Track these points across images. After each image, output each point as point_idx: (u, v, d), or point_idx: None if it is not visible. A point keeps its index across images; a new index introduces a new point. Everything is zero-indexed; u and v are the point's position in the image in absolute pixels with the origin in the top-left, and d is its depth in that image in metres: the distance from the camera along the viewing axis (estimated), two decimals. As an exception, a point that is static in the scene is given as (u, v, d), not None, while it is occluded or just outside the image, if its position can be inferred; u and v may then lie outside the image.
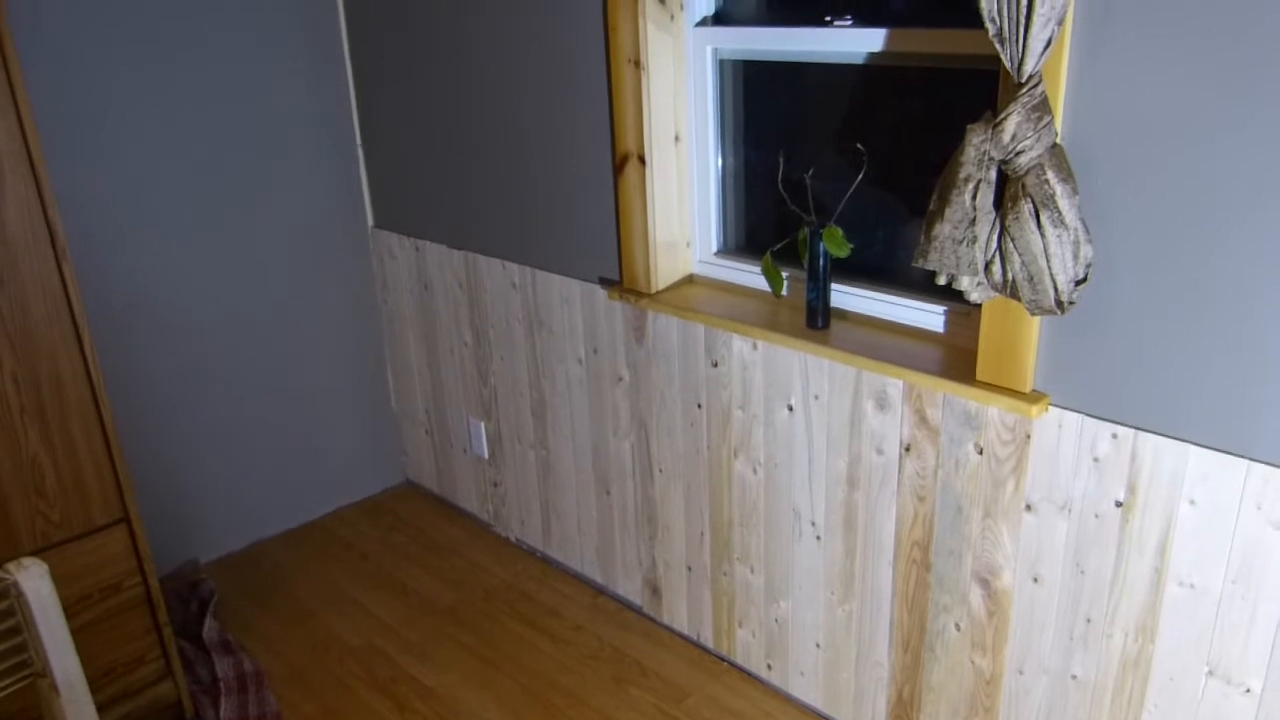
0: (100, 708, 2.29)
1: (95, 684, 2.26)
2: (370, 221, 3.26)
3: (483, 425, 3.11)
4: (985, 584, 1.94)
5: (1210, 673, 1.68)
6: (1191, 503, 1.61)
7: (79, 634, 2.22)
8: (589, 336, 2.61)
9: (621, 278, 2.46)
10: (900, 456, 1.99)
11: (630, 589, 2.80)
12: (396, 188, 3.10)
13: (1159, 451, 1.63)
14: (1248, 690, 1.64)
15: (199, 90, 2.79)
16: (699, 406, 2.38)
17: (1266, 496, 1.53)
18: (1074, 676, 1.86)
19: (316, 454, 3.32)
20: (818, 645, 2.32)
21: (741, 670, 2.55)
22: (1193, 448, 1.59)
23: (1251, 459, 1.53)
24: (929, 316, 2.01)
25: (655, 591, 2.72)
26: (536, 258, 2.69)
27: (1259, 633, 1.60)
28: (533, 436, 2.93)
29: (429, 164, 2.94)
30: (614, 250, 2.47)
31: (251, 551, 3.20)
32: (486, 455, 3.14)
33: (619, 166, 2.35)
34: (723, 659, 2.59)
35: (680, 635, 2.69)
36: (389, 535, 3.26)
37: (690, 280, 2.45)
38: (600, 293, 2.54)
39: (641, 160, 2.29)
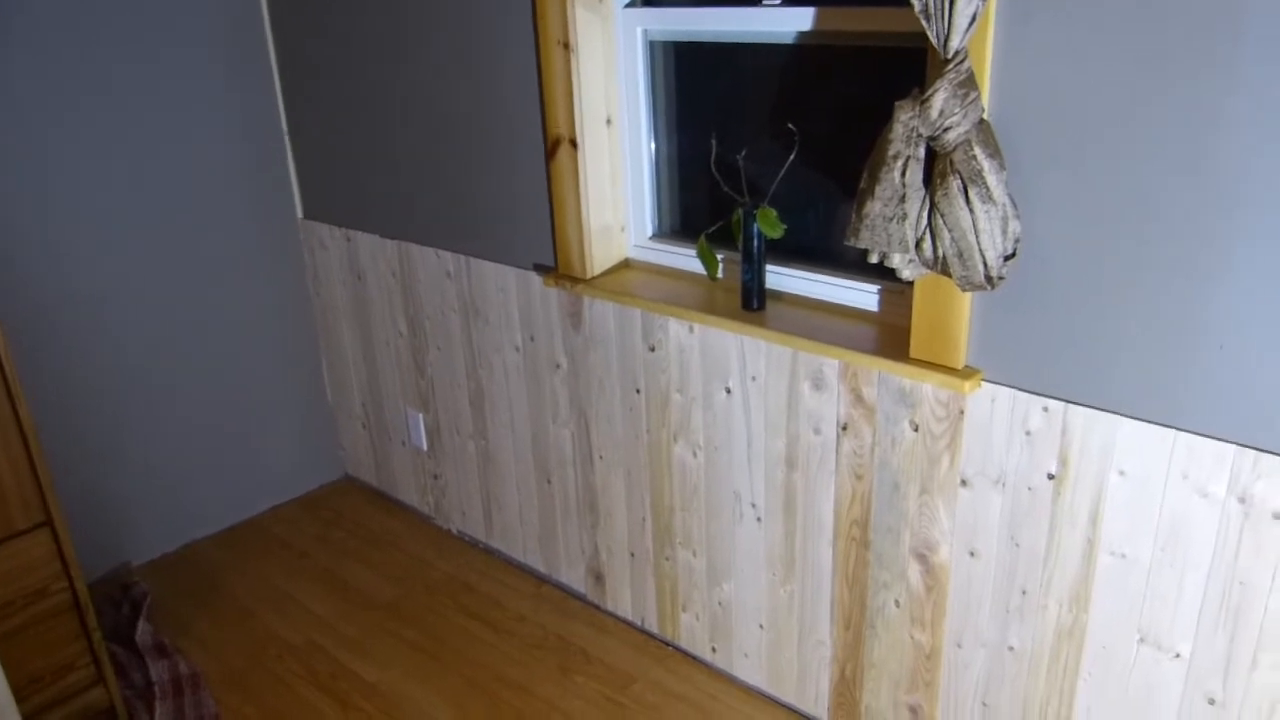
0: (29, 716, 2.22)
1: (21, 692, 2.19)
2: (300, 212, 3.19)
3: (421, 417, 3.06)
4: (923, 560, 1.95)
5: (1141, 640, 1.71)
6: (1121, 473, 1.64)
7: (3, 642, 2.14)
8: (525, 324, 2.59)
9: (557, 264, 2.43)
10: (837, 436, 2.00)
11: (574, 577, 2.79)
12: (325, 177, 3.04)
13: (1089, 424, 1.65)
14: (1177, 655, 1.67)
15: (120, 85, 2.70)
16: (637, 391, 2.37)
17: (1193, 465, 1.56)
18: (1011, 648, 1.89)
19: (251, 451, 3.25)
20: (761, 626, 2.32)
21: (686, 654, 2.55)
22: (1122, 419, 1.61)
23: (1178, 429, 1.56)
24: (863, 296, 2.02)
25: (599, 579, 2.71)
26: (470, 245, 2.66)
27: (1187, 599, 1.63)
28: (471, 427, 2.90)
29: (358, 153, 2.88)
30: (548, 236, 2.44)
31: (186, 552, 3.12)
32: (425, 447, 3.10)
33: (550, 151, 2.32)
34: (667, 643, 2.59)
35: (625, 621, 2.68)
36: (328, 531, 3.20)
37: (626, 265, 2.43)
38: (536, 280, 2.51)
39: (573, 144, 2.27)
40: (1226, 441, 1.51)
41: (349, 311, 3.17)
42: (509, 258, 2.56)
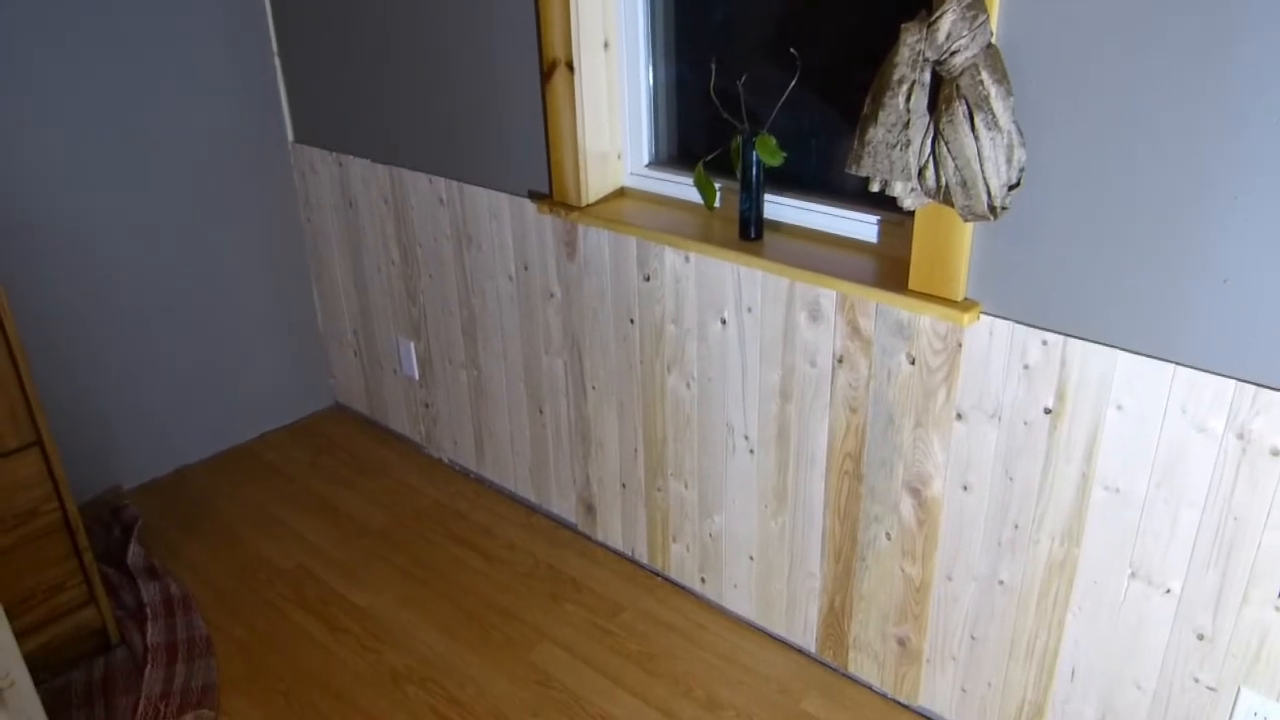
0: (22, 634, 2.22)
1: (14, 610, 2.19)
2: (290, 136, 3.13)
3: (412, 345, 3.04)
4: (916, 493, 1.95)
5: (1133, 575, 1.71)
6: (1119, 408, 1.63)
7: (-9, 562, 2.14)
8: (519, 252, 2.55)
9: (551, 191, 2.39)
10: (833, 368, 1.98)
11: (564, 507, 2.79)
12: (317, 100, 2.97)
13: (1087, 358, 1.63)
14: (1168, 591, 1.68)
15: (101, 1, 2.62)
16: (631, 322, 2.34)
17: (1191, 400, 1.54)
18: (1001, 582, 1.89)
19: (242, 377, 3.22)
20: (751, 558, 2.33)
21: (675, 584, 2.56)
22: (1120, 353, 1.59)
23: (1177, 363, 1.54)
24: (862, 227, 1.98)
25: (590, 509, 2.71)
26: (464, 171, 2.60)
27: (1180, 535, 1.63)
28: (464, 356, 2.87)
29: (350, 75, 2.81)
30: (543, 162, 2.39)
31: (176, 477, 3.11)
32: (417, 376, 3.08)
33: (547, 74, 2.26)
34: (657, 574, 2.60)
35: (615, 552, 2.69)
36: (318, 458, 3.19)
37: (622, 193, 2.39)
38: (530, 207, 2.47)
39: (570, 67, 2.21)
40: (1226, 376, 1.50)
41: (340, 238, 3.12)
42: (503, 184, 2.52)
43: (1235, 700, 1.66)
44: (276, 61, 3.02)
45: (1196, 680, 1.69)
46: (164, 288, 2.96)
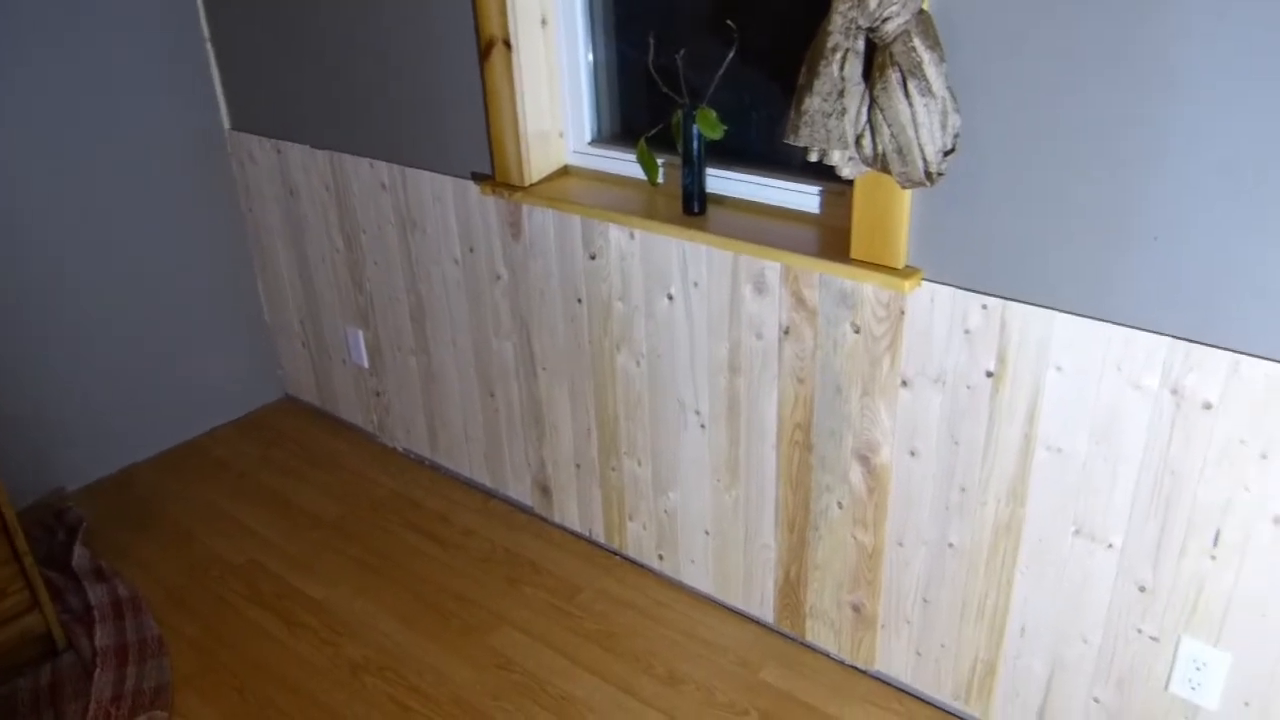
0: (-37, 644, 2.17)
1: (-46, 620, 2.15)
2: (227, 124, 3.07)
3: (361, 334, 3.00)
4: (865, 461, 1.97)
5: (1076, 532, 1.74)
6: (1058, 369, 1.65)
7: (-71, 569, 2.09)
8: (464, 235, 2.52)
9: (494, 172, 2.37)
10: (779, 339, 1.99)
11: (520, 491, 2.78)
12: (253, 87, 2.91)
13: (1026, 320, 1.65)
14: (1110, 545, 1.71)
15: (19, -20, 2.55)
16: (579, 301, 2.33)
17: (1126, 358, 1.57)
18: (951, 545, 1.92)
19: (187, 373, 3.17)
20: (706, 532, 2.34)
21: (633, 563, 2.56)
22: (1058, 314, 1.62)
23: (1113, 323, 1.57)
24: (804, 198, 1.99)
25: (545, 491, 2.70)
26: (405, 155, 2.57)
27: (1120, 491, 1.66)
28: (413, 342, 2.85)
29: (286, 60, 2.76)
30: (484, 143, 2.37)
31: (123, 476, 3.05)
32: (367, 364, 3.04)
33: (484, 53, 2.24)
34: (615, 553, 2.60)
35: (572, 533, 2.69)
36: (269, 452, 3.15)
37: (565, 171, 2.37)
38: (473, 188, 2.44)
39: (508, 45, 2.19)
40: (1160, 334, 1.53)
41: (283, 227, 3.07)
42: (445, 167, 2.49)
43: (1176, 649, 1.69)
44: (209, 48, 2.96)
45: (1139, 631, 1.73)
46: (103, 283, 2.89)
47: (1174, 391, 1.54)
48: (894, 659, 2.12)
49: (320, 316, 3.12)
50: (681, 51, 2.08)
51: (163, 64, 2.87)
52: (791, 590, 2.23)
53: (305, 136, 2.82)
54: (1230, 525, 1.57)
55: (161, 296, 3.04)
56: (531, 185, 2.30)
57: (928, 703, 2.10)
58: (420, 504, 2.86)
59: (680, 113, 2.00)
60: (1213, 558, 1.60)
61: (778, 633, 2.31)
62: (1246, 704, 1.66)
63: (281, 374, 3.43)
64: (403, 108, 2.51)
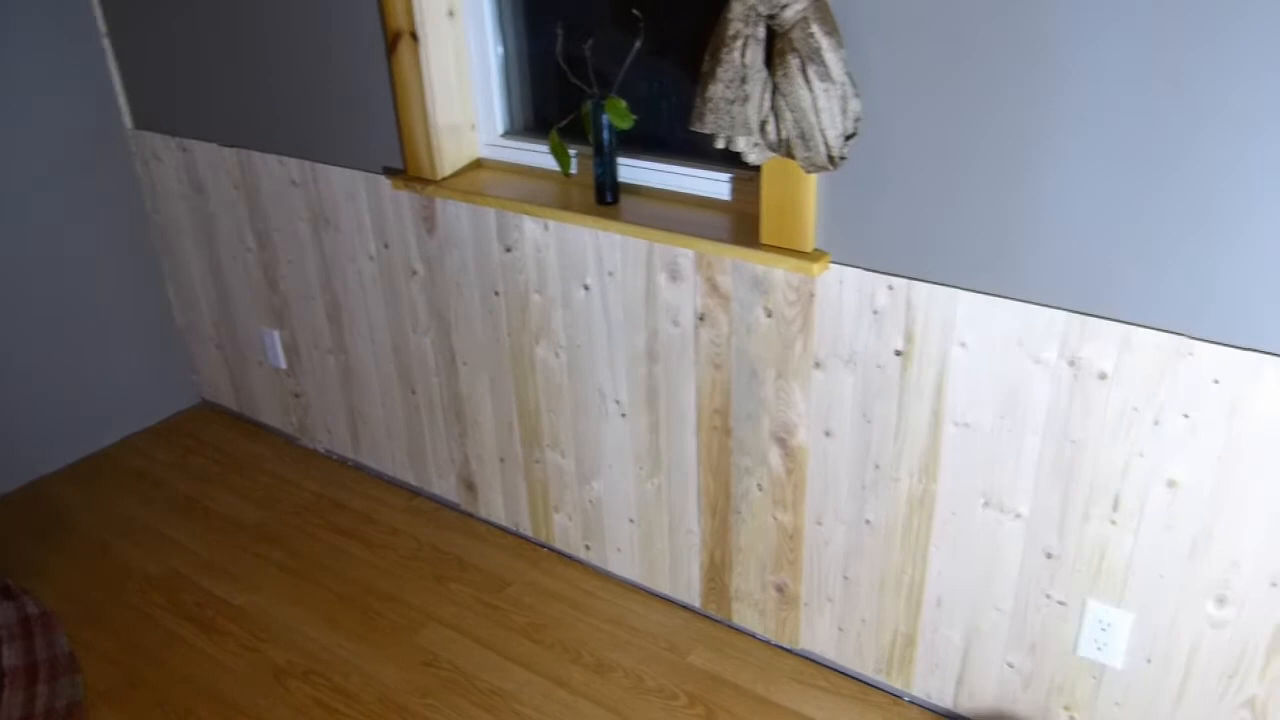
0: None
1: None
2: (128, 123, 2.98)
3: (277, 334, 2.95)
4: (782, 443, 2.00)
5: (986, 504, 1.79)
6: (962, 345, 1.69)
7: None
8: (378, 231, 2.50)
9: (406, 166, 2.35)
10: (695, 326, 2.01)
11: (445, 487, 2.76)
12: (154, 84, 2.84)
13: (931, 299, 1.69)
14: (1018, 515, 1.76)
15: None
16: (496, 294, 2.32)
17: (1026, 333, 1.62)
18: (868, 521, 1.96)
19: (96, 381, 3.08)
20: (631, 521, 2.35)
21: (561, 554, 2.57)
22: (960, 292, 1.66)
23: (1013, 299, 1.61)
24: (715, 185, 2.01)
25: (470, 487, 2.69)
26: (315, 151, 2.53)
27: (1025, 462, 1.71)
28: (330, 341, 2.81)
29: (188, 55, 2.69)
30: (395, 137, 2.35)
31: (30, 490, 2.96)
32: (284, 365, 2.99)
33: (391, 45, 2.21)
34: (542, 545, 2.60)
35: (499, 527, 2.68)
36: (186, 459, 3.08)
37: (478, 164, 2.36)
38: (385, 183, 2.42)
39: (414, 38, 2.17)
40: (1056, 309, 1.58)
41: (191, 228, 3.00)
42: (356, 162, 2.46)
43: (1083, 611, 1.76)
44: (106, 44, 2.87)
45: (1048, 597, 1.79)
46: (4, 292, 2.79)
47: (1071, 363, 1.60)
48: (818, 636, 2.15)
49: (234, 318, 3.06)
50: (590, 41, 2.09)
51: (55, 61, 2.78)
52: (716, 574, 2.26)
53: (211, 134, 2.76)
54: (1128, 490, 1.63)
55: (65, 303, 2.95)
56: (444, 179, 2.29)
57: (852, 677, 2.14)
58: (344, 505, 2.83)
59: (590, 103, 2.00)
60: (1113, 522, 1.67)
61: (705, 616, 2.34)
62: (1149, 660, 1.73)
63: (196, 378, 3.36)
64: (311, 103, 2.47)
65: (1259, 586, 1.57)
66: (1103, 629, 1.75)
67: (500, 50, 2.27)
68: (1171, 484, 1.59)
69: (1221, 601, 1.61)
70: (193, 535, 2.72)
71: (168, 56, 2.74)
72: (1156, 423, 1.56)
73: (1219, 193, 1.38)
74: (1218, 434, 1.51)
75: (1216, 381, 1.49)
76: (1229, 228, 1.39)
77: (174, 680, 2.23)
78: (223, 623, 2.39)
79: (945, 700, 2.03)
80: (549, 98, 2.28)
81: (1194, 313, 1.47)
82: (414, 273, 2.47)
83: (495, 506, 2.66)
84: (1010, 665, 1.90)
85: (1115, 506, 1.65)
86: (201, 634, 2.36)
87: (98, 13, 2.83)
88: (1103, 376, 1.57)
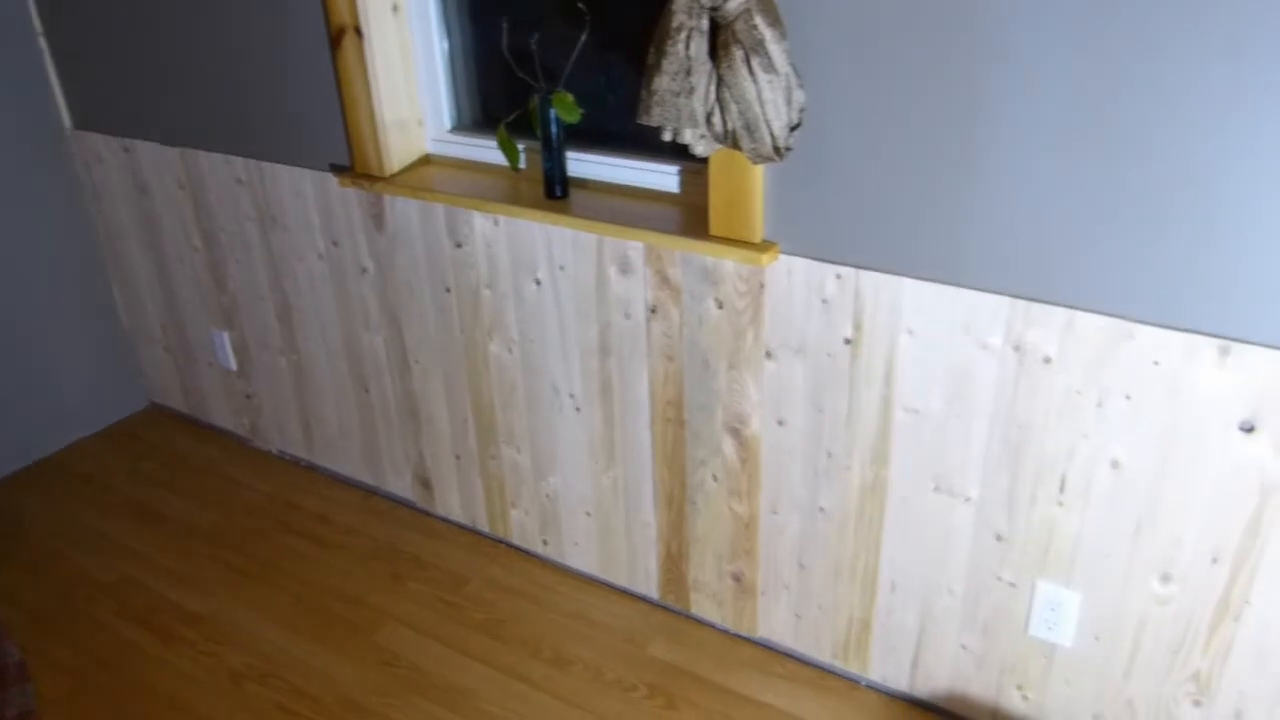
0: None
1: None
2: (68, 123, 2.92)
3: (226, 335, 2.91)
4: (736, 433, 2.01)
5: (936, 488, 1.82)
6: (910, 332, 1.71)
7: None
8: (327, 229, 2.47)
9: (353, 163, 2.32)
10: (647, 319, 2.01)
11: (401, 486, 2.74)
12: (94, 83, 2.78)
13: (879, 287, 1.71)
14: (968, 499, 1.79)
15: None
16: (448, 290, 2.31)
17: (972, 319, 1.64)
18: (821, 509, 1.98)
19: (43, 386, 3.02)
20: (588, 514, 2.35)
21: (518, 550, 2.56)
22: (908, 280, 1.68)
23: (958, 285, 1.63)
24: (664, 178, 2.01)
25: (426, 485, 2.67)
26: (261, 149, 2.50)
27: (974, 446, 1.74)
28: (281, 341, 2.78)
29: (129, 54, 2.64)
30: (341, 134, 2.32)
31: (-24, 498, 2.91)
32: (234, 367, 2.95)
33: (335, 41, 2.19)
34: (499, 541, 2.60)
35: (456, 524, 2.67)
36: (136, 463, 3.03)
37: (426, 160, 2.34)
38: (333, 181, 2.39)
39: (359, 33, 2.14)
40: (1001, 294, 1.60)
41: (136, 229, 2.95)
42: (303, 159, 2.43)
43: (1033, 592, 1.79)
44: (42, 43, 2.81)
45: (999, 578, 1.82)
46: (-61, 297, 2.74)
47: (1016, 348, 1.62)
48: (775, 624, 2.17)
49: (182, 319, 3.02)
50: (536, 35, 2.08)
51: (-7, 62, 2.72)
52: (674, 565, 2.27)
53: (155, 133, 2.72)
54: (1074, 472, 1.66)
55: (7, 307, 2.88)
56: (392, 175, 2.27)
57: (809, 664, 2.17)
58: (298, 506, 2.80)
59: (537, 97, 2.00)
60: (1060, 504, 1.70)
61: (663, 608, 2.35)
62: (1097, 638, 1.76)
63: (145, 381, 3.30)
64: (255, 101, 2.44)
65: (1201, 563, 1.61)
66: (1052, 609, 1.78)
67: (446, 45, 2.26)
68: (1115, 464, 1.62)
69: (1166, 579, 1.65)
70: (144, 540, 2.68)
71: (107, 55, 2.69)
72: (1100, 405, 1.59)
73: (1155, 179, 1.41)
74: (1158, 414, 1.55)
75: (1156, 363, 1.52)
76: (1165, 213, 1.42)
77: (128, 687, 2.19)
78: (177, 628, 2.36)
79: (901, 683, 2.05)
80: (496, 92, 2.27)
81: (1133, 296, 1.49)
82: (364, 271, 2.45)
83: (452, 504, 2.65)
84: (964, 647, 1.93)
85: (1062, 488, 1.68)
86: (156, 640, 2.33)
87: (33, 11, 2.77)
88: (1047, 360, 1.60)
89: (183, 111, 2.61)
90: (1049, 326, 1.58)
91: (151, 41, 2.56)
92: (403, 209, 2.28)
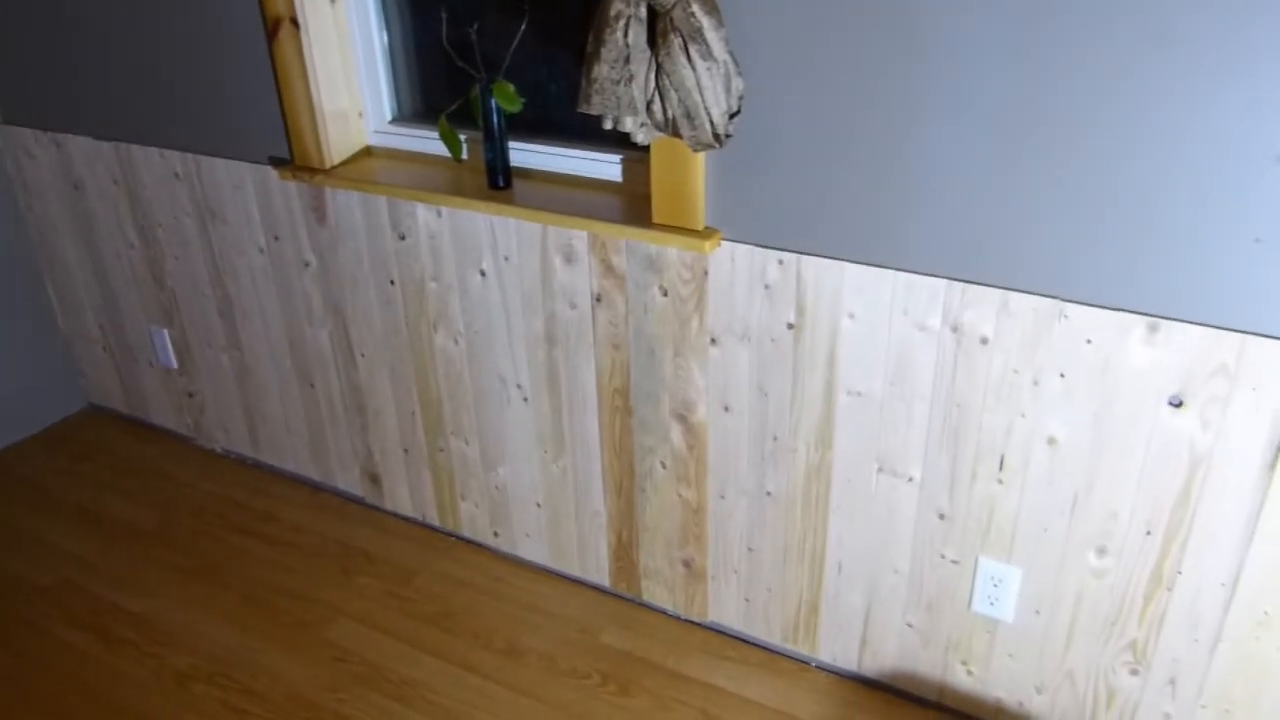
0: None
1: None
2: (-4, 118, 2.85)
3: (166, 333, 2.86)
4: (683, 420, 2.02)
5: (880, 469, 1.85)
6: (851, 316, 1.74)
7: None
8: (267, 223, 2.44)
9: (293, 156, 2.29)
10: (592, 308, 2.01)
11: (349, 481, 2.72)
12: (22, 76, 2.71)
13: (820, 272, 1.73)
14: (910, 479, 1.82)
15: None
16: (392, 283, 2.29)
17: (912, 302, 1.67)
18: (768, 493, 2.00)
19: (-26, 388, 2.95)
20: (538, 505, 2.35)
21: (469, 542, 2.56)
22: (848, 265, 1.70)
23: (896, 269, 1.66)
24: (607, 166, 2.02)
25: (375, 480, 2.66)
26: (198, 143, 2.46)
27: (915, 427, 1.77)
28: (223, 338, 2.74)
29: (59, 45, 2.58)
30: (280, 126, 2.29)
31: (-92, 505, 2.83)
32: (175, 365, 2.90)
33: (271, 32, 2.16)
34: (450, 534, 2.59)
35: (405, 518, 2.66)
36: (76, 465, 2.97)
37: (368, 152, 2.32)
38: (273, 174, 2.36)
39: (295, 24, 2.12)
40: (938, 277, 1.63)
41: (70, 226, 2.89)
42: (241, 153, 2.39)
43: (975, 569, 1.83)
44: (-32, 37, 2.74)
45: (943, 556, 1.85)
46: None
47: (954, 329, 1.65)
48: (726, 608, 2.19)
49: (121, 317, 2.96)
50: (475, 25, 2.07)
51: (-85, 55, 2.64)
52: (625, 553, 2.28)
53: (87, 128, 2.66)
54: (1012, 449, 1.70)
55: (-63, 308, 2.81)
56: (333, 168, 2.25)
57: (760, 646, 2.19)
58: (245, 504, 2.76)
59: (478, 87, 1.99)
60: (1000, 481, 1.73)
61: (615, 596, 2.36)
62: (1037, 612, 1.80)
63: (84, 382, 3.24)
64: (191, 93, 2.40)
65: (1135, 535, 1.65)
66: (994, 585, 1.82)
67: (385, 36, 2.24)
68: (1052, 442, 1.66)
69: (1102, 552, 1.69)
70: (85, 543, 2.63)
71: (35, 47, 2.62)
72: (1036, 383, 1.63)
73: (1085, 163, 1.44)
74: (1092, 392, 1.59)
75: (1089, 341, 1.56)
76: (1095, 197, 1.46)
77: (71, 692, 2.15)
78: (120, 630, 2.32)
79: (850, 663, 2.09)
80: (437, 83, 2.26)
81: (1066, 276, 1.53)
82: (307, 265, 2.42)
83: (401, 498, 2.63)
84: (910, 625, 1.96)
85: (1001, 466, 1.72)
86: (98, 643, 2.29)
87: (-43, 2, 2.70)
88: (984, 341, 1.63)
89: (116, 105, 2.55)
90: (985, 307, 1.61)
91: (82, 33, 2.51)
92: (344, 201, 2.26)
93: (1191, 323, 1.47)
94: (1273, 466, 1.49)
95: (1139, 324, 1.51)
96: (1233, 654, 1.65)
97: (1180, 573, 1.64)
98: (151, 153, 2.56)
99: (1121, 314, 1.51)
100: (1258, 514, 1.53)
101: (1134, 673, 1.76)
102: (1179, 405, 1.53)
